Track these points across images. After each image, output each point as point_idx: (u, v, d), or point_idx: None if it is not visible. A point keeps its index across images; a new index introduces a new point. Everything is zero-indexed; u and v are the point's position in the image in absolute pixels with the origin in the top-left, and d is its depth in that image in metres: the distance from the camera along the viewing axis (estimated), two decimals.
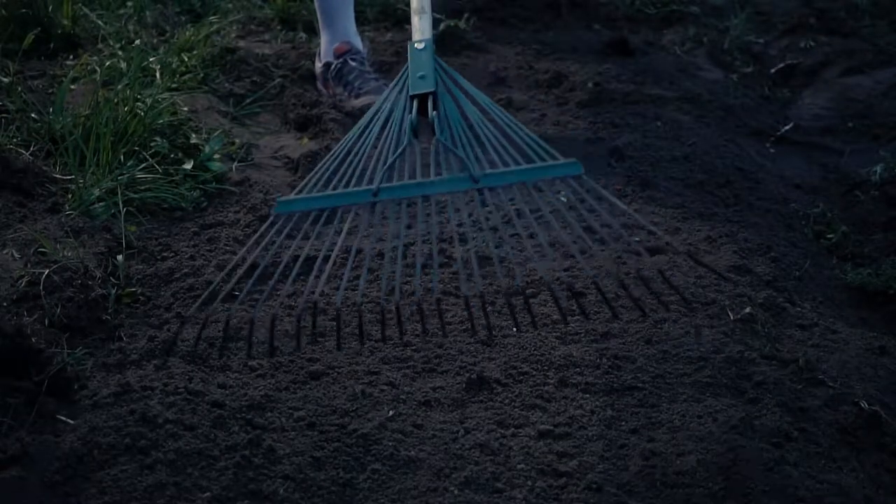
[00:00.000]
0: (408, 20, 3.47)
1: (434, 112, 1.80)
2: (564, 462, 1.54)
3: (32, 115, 2.42)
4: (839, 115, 3.12)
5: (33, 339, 1.68)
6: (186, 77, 2.88)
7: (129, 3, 3.34)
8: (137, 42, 3.00)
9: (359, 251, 1.82)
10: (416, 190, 1.72)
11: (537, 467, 1.54)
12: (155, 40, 3.11)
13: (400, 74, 1.89)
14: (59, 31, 3.00)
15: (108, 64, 2.78)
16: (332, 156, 1.80)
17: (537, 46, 3.39)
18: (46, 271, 1.88)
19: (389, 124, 1.82)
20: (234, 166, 2.52)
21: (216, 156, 2.50)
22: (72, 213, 2.14)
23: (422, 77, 1.85)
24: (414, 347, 1.83)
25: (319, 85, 3.03)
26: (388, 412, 1.65)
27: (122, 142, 2.34)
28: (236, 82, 2.97)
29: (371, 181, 1.74)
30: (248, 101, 2.90)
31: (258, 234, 1.75)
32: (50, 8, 2.99)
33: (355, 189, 1.74)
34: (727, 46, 3.50)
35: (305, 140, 2.76)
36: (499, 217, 1.83)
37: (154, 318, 1.92)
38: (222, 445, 1.55)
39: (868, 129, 3.01)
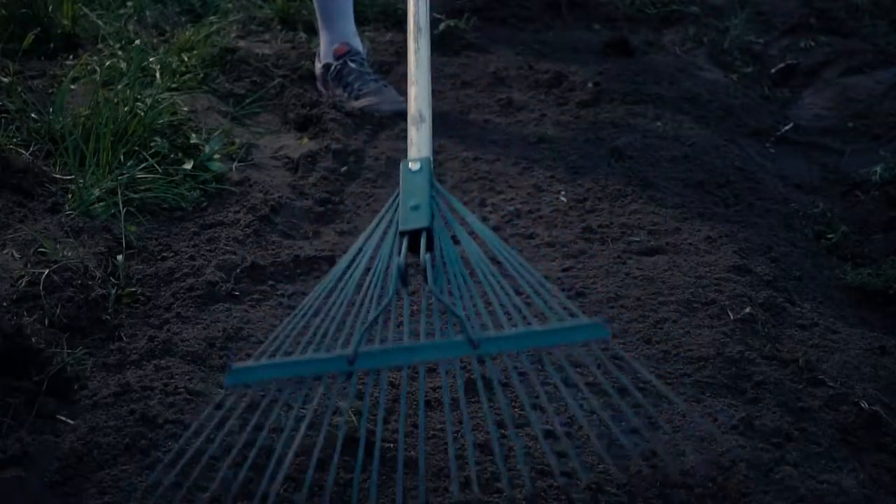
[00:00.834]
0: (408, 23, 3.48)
1: (428, 254, 1.45)
2: (564, 462, 1.54)
3: (32, 115, 2.42)
4: (839, 115, 3.12)
5: (33, 339, 1.69)
6: (186, 77, 2.88)
7: (129, 3, 3.34)
8: (137, 42, 3.00)
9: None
10: (401, 357, 1.37)
11: (537, 467, 1.54)
12: (155, 40, 3.11)
13: (389, 202, 1.53)
14: (59, 31, 3.00)
15: (108, 64, 2.78)
16: (301, 309, 1.45)
17: (537, 46, 3.39)
18: (46, 271, 1.88)
19: (373, 269, 1.47)
20: (234, 166, 2.52)
21: (216, 156, 2.50)
22: (72, 213, 2.14)
23: (415, 208, 1.49)
24: None
25: (319, 85, 3.04)
26: (388, 412, 1.65)
27: (122, 142, 2.34)
28: (236, 82, 2.97)
29: (347, 344, 1.38)
30: (248, 101, 2.90)
31: (204, 414, 1.37)
32: (50, 8, 2.99)
33: (325, 357, 1.36)
34: (727, 46, 3.51)
35: (305, 140, 2.76)
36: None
37: (154, 318, 1.92)
38: (222, 445, 1.55)
39: (868, 129, 3.01)
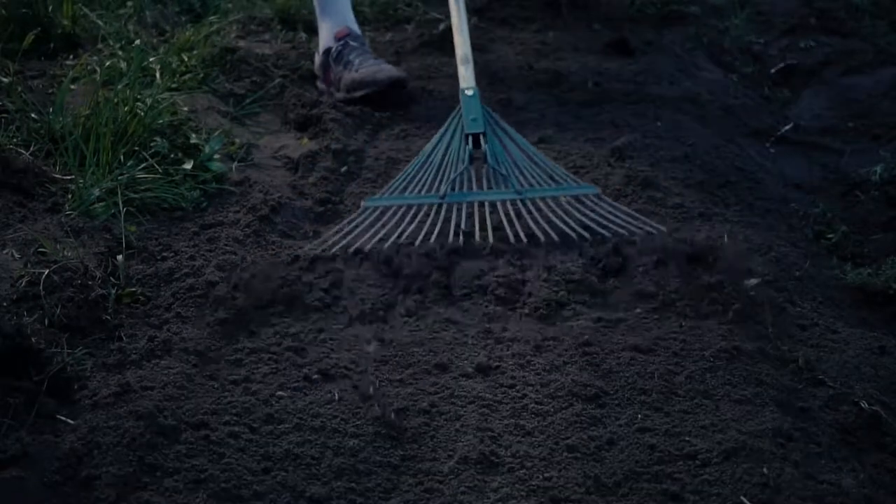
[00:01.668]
0: (407, 21, 3.52)
1: (485, 145, 2.37)
2: (566, 458, 1.55)
3: (32, 115, 2.42)
4: (839, 115, 3.12)
5: (33, 339, 1.69)
6: (186, 77, 2.88)
7: (129, 3, 3.34)
8: (137, 42, 3.00)
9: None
10: (473, 197, 2.25)
11: (537, 468, 1.54)
12: (155, 40, 3.11)
13: (453, 114, 2.47)
14: (59, 31, 3.00)
15: (108, 64, 2.78)
16: (404, 173, 2.34)
17: (537, 46, 3.39)
18: (46, 271, 1.88)
19: (449, 153, 2.37)
20: (234, 166, 2.52)
21: (216, 156, 2.50)
22: (72, 213, 2.14)
23: (474, 119, 2.41)
24: (418, 347, 1.84)
25: (318, 72, 3.07)
26: (391, 415, 1.65)
27: (122, 142, 2.34)
28: (236, 82, 2.97)
29: (438, 190, 2.27)
30: (248, 101, 2.90)
31: (349, 219, 2.20)
32: (50, 8, 2.99)
33: (426, 195, 2.26)
34: (727, 46, 3.50)
35: (305, 140, 2.76)
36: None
37: (154, 318, 1.92)
38: (222, 444, 1.55)
39: (868, 129, 3.01)
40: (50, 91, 2.64)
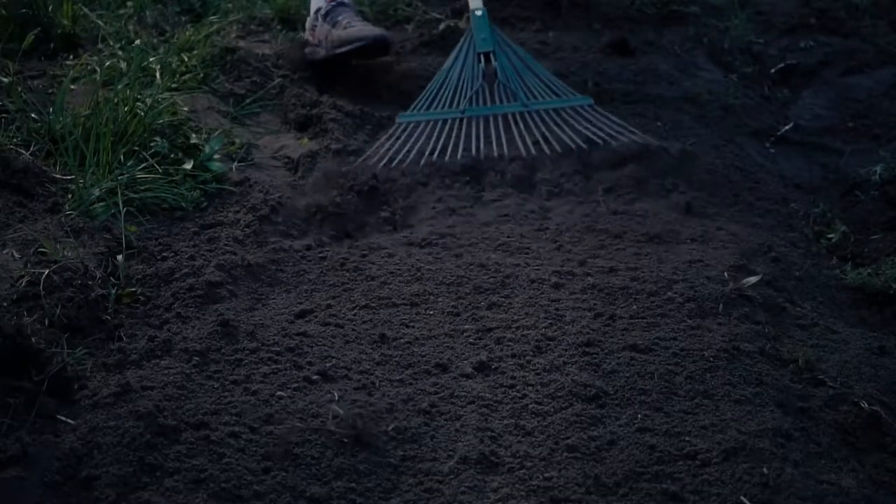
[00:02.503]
0: (407, 21, 3.53)
1: (495, 62, 2.81)
2: (566, 458, 1.55)
3: (32, 115, 2.42)
4: (839, 115, 3.12)
5: (33, 339, 1.69)
6: (186, 77, 2.88)
7: (129, 3, 3.34)
8: (137, 42, 3.00)
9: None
10: (488, 110, 2.74)
11: (537, 468, 1.54)
12: (155, 40, 3.11)
13: (465, 34, 2.92)
14: (59, 31, 3.00)
15: (108, 64, 2.78)
16: (428, 89, 2.83)
17: (537, 46, 3.39)
18: (46, 271, 1.88)
19: (464, 71, 2.83)
20: (234, 166, 2.52)
21: (216, 156, 2.50)
22: (72, 213, 2.14)
23: (483, 39, 2.84)
24: (420, 347, 1.84)
25: (308, 34, 3.18)
26: (391, 425, 1.65)
27: (122, 142, 2.34)
28: (236, 82, 2.97)
29: (459, 106, 2.76)
30: (248, 101, 2.90)
31: (389, 133, 2.70)
32: (50, 8, 2.99)
33: (450, 110, 2.75)
34: (727, 46, 3.50)
35: (305, 140, 2.76)
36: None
37: (154, 318, 1.92)
38: (222, 444, 1.55)
39: (868, 129, 3.01)
40: (50, 91, 2.64)
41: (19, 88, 2.53)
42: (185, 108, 2.65)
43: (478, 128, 2.67)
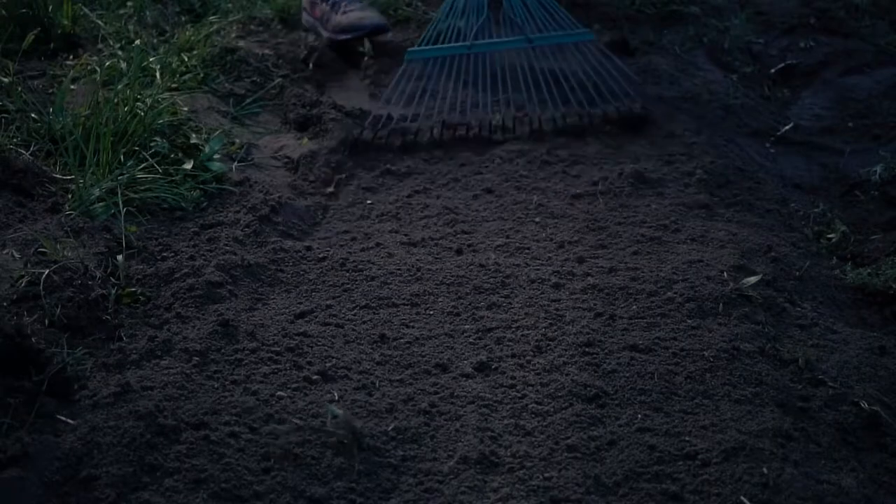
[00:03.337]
0: (407, 21, 3.52)
1: None
2: (566, 458, 1.55)
3: (32, 115, 2.42)
4: (839, 115, 3.12)
5: (33, 339, 1.68)
6: (186, 77, 2.88)
7: (129, 3, 3.34)
8: (137, 42, 3.00)
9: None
10: (493, 46, 2.84)
11: (537, 468, 1.54)
12: (155, 40, 3.11)
13: None
14: (59, 31, 3.00)
15: (108, 64, 2.78)
16: (434, 22, 2.91)
17: None
18: (46, 271, 1.88)
19: (469, 2, 2.89)
20: (234, 166, 2.52)
21: (216, 156, 2.50)
22: (72, 213, 2.14)
23: None
24: (420, 347, 1.84)
25: (306, 7, 3.33)
26: (391, 425, 1.65)
27: (122, 142, 2.34)
28: (236, 82, 2.97)
29: (465, 39, 2.85)
30: (248, 101, 2.90)
31: (400, 70, 2.82)
32: (50, 8, 2.99)
33: (456, 44, 2.84)
34: (727, 46, 3.50)
35: (305, 140, 2.76)
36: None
37: (154, 318, 1.92)
38: (222, 444, 1.55)
39: (868, 129, 3.01)
40: (50, 91, 2.65)
41: (19, 88, 2.53)
42: (185, 108, 2.65)
43: (483, 62, 2.82)
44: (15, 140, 2.33)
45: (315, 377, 1.74)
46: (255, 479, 1.50)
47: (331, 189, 2.54)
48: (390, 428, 1.61)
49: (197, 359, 1.76)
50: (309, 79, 3.11)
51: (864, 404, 1.68)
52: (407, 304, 1.98)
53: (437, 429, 1.63)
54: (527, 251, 2.19)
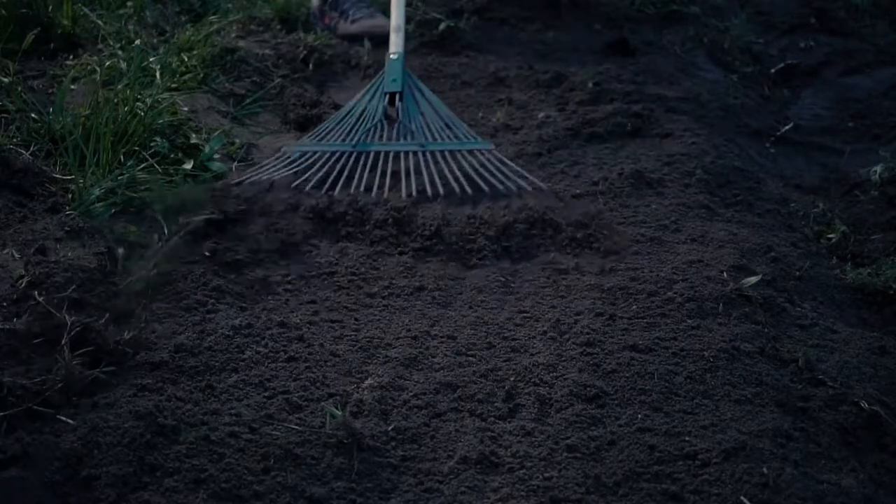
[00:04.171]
0: (407, 21, 3.52)
1: (399, 103, 2.66)
2: (566, 458, 1.55)
3: (32, 115, 2.42)
4: (839, 115, 3.12)
5: None
6: (186, 77, 2.88)
7: (129, 3, 3.34)
8: (137, 42, 3.00)
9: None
10: (381, 147, 2.54)
11: (537, 468, 1.54)
12: (155, 40, 3.11)
13: (378, 76, 2.77)
14: (59, 31, 3.00)
15: (108, 64, 2.78)
16: (325, 124, 2.65)
17: (537, 46, 3.39)
18: (46, 271, 1.88)
19: (367, 109, 2.67)
20: (234, 166, 2.52)
21: (216, 156, 2.50)
22: (72, 213, 2.14)
23: (394, 80, 2.70)
24: (423, 348, 1.84)
25: (316, 15, 3.46)
26: (391, 425, 1.65)
27: (122, 142, 2.34)
28: (236, 82, 2.97)
29: (352, 140, 2.56)
30: (248, 101, 2.90)
31: (269, 160, 2.49)
32: (50, 8, 2.99)
33: (341, 143, 2.55)
34: (727, 46, 3.51)
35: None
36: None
37: (154, 318, 1.91)
38: (222, 444, 1.55)
39: (868, 129, 3.01)
40: (50, 91, 2.64)
41: (19, 88, 2.53)
42: (185, 108, 2.65)
43: (366, 163, 2.46)
44: (15, 140, 2.33)
45: (315, 378, 1.74)
46: (255, 479, 1.50)
47: None
48: (390, 428, 1.62)
49: (197, 359, 1.76)
50: (309, 79, 3.11)
51: (864, 404, 1.68)
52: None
53: (437, 429, 1.63)
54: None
